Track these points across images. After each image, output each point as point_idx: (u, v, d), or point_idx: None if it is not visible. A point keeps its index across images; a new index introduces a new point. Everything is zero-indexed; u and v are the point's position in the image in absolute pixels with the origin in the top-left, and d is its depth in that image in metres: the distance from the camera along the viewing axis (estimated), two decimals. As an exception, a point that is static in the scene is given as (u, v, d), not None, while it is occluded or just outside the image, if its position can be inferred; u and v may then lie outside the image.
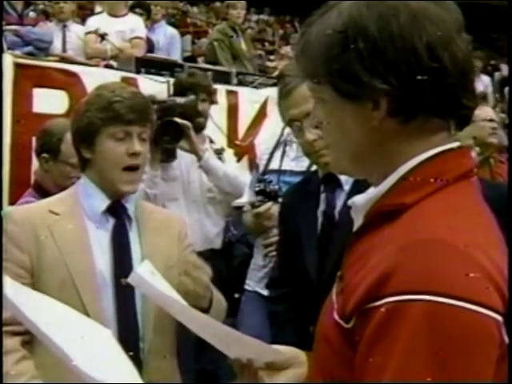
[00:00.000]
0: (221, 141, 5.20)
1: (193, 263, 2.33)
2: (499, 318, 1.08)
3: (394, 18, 1.20)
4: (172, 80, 5.26)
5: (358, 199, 1.37)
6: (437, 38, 1.21)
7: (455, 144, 1.28)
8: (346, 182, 2.45)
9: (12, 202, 4.14)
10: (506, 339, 1.11)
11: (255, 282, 3.85)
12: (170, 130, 4.07)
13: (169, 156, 4.19)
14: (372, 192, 1.32)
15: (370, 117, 1.24)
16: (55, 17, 7.37)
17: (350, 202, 1.41)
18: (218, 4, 15.57)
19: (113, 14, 7.13)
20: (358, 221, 1.35)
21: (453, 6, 1.28)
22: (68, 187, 3.32)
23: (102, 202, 2.45)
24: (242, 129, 6.10)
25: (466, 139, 3.33)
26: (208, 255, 4.29)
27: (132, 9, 7.76)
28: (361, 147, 1.29)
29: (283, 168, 3.75)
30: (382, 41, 1.20)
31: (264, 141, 4.43)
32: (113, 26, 6.88)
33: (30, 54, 5.79)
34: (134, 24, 7.11)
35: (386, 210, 1.24)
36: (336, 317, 1.24)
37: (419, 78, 1.20)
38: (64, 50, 7.00)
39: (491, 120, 5.11)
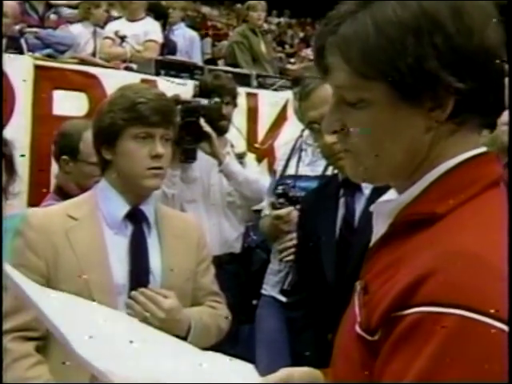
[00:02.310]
0: (240, 144, 5.17)
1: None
2: None
3: (467, 14, 1.15)
4: (192, 82, 5.25)
5: (382, 206, 1.31)
6: (499, 38, 1.18)
7: (483, 149, 1.23)
8: (366, 186, 2.42)
9: (31, 204, 4.14)
10: None
11: (271, 287, 3.82)
12: (192, 131, 4.04)
13: (189, 157, 4.16)
14: (398, 198, 1.26)
15: (427, 117, 1.17)
16: (89, 20, 7.38)
17: (372, 208, 1.34)
18: (238, 6, 15.58)
19: (130, 19, 7.13)
20: (380, 228, 1.28)
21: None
22: (91, 187, 3.35)
23: (122, 208, 2.41)
24: (261, 132, 6.08)
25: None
26: (226, 259, 4.30)
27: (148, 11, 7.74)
28: (408, 152, 1.20)
29: (299, 173, 3.72)
30: (460, 36, 1.13)
31: (282, 145, 4.41)
32: (129, 29, 6.88)
33: (49, 56, 5.79)
34: (147, 27, 7.07)
35: (416, 218, 1.18)
36: (358, 330, 1.18)
37: (490, 77, 1.16)
38: (94, 53, 7.02)
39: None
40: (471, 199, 1.16)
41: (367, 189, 2.42)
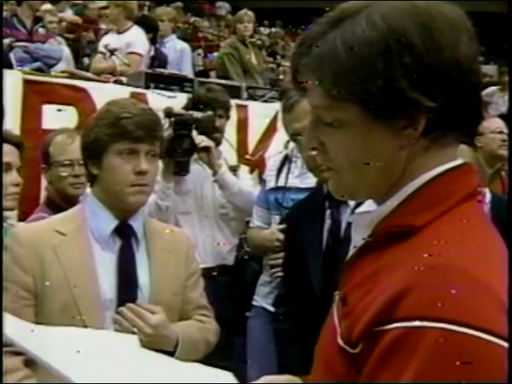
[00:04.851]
0: (231, 155, 5.18)
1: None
2: None
3: (437, 30, 1.15)
4: (183, 95, 5.26)
5: (361, 217, 1.32)
6: (471, 51, 1.18)
7: (461, 161, 1.24)
8: (351, 198, 2.43)
9: (21, 218, 4.12)
10: None
11: (262, 298, 3.86)
12: (184, 144, 4.05)
13: (182, 169, 4.16)
14: (377, 210, 1.27)
15: (400, 135, 1.17)
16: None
17: (350, 219, 1.36)
18: (228, 17, 15.61)
19: (117, 31, 7.11)
20: (359, 239, 1.28)
21: (466, 17, 1.23)
22: (68, 192, 3.50)
23: (110, 223, 2.41)
24: (252, 143, 6.09)
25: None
26: (220, 271, 4.31)
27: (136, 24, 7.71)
28: (383, 169, 1.21)
29: (288, 185, 3.74)
30: (430, 54, 1.13)
31: (272, 156, 4.43)
32: (116, 42, 6.87)
33: (38, 70, 5.80)
34: (130, 39, 7.00)
35: (395, 230, 1.18)
36: (340, 342, 1.19)
37: (463, 93, 1.16)
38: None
39: (501, 132, 5.04)
40: (448, 211, 1.17)
41: (352, 201, 2.43)
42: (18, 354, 2.24)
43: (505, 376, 1.04)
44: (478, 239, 1.15)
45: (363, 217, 1.31)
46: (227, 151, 4.90)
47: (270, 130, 6.14)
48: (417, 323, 1.04)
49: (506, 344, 1.03)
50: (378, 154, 1.20)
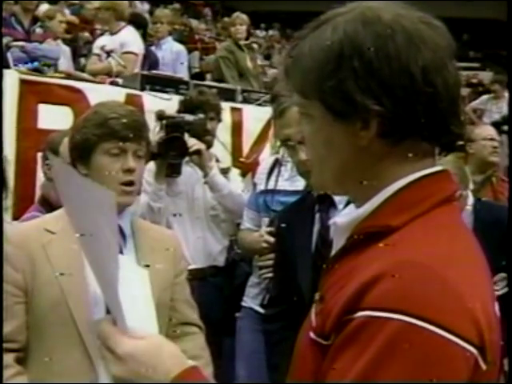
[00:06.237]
0: (225, 158, 5.21)
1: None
2: (470, 347, 1.08)
3: (391, 40, 1.20)
4: (178, 97, 5.28)
5: (340, 220, 1.36)
6: (432, 63, 1.21)
7: (438, 168, 1.29)
8: (340, 201, 2.46)
9: (16, 217, 4.15)
10: (484, 366, 1.11)
11: (251, 299, 3.89)
12: (177, 146, 4.08)
13: (174, 171, 4.20)
14: (355, 213, 1.31)
15: (358, 136, 1.23)
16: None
17: (331, 222, 1.40)
18: (225, 20, 15.63)
19: (111, 32, 7.11)
20: (339, 241, 1.33)
21: (445, 30, 1.28)
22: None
23: None
24: (246, 146, 6.11)
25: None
26: (210, 272, 4.34)
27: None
28: (346, 166, 1.28)
29: (278, 188, 3.78)
30: (378, 61, 1.19)
31: (263, 160, 4.46)
32: (111, 43, 6.88)
33: (35, 70, 5.80)
34: (124, 38, 7.00)
35: (371, 231, 1.23)
36: (312, 335, 1.25)
37: (413, 101, 1.19)
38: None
39: (492, 139, 5.10)
40: (424, 214, 1.22)
41: (341, 204, 2.47)
42: (10, 351, 2.28)
43: (459, 373, 1.08)
44: (449, 241, 1.19)
45: (342, 219, 1.36)
46: (222, 154, 4.94)
47: (265, 134, 6.15)
48: (378, 313, 1.09)
49: (464, 344, 1.07)
50: (338, 151, 1.27)
